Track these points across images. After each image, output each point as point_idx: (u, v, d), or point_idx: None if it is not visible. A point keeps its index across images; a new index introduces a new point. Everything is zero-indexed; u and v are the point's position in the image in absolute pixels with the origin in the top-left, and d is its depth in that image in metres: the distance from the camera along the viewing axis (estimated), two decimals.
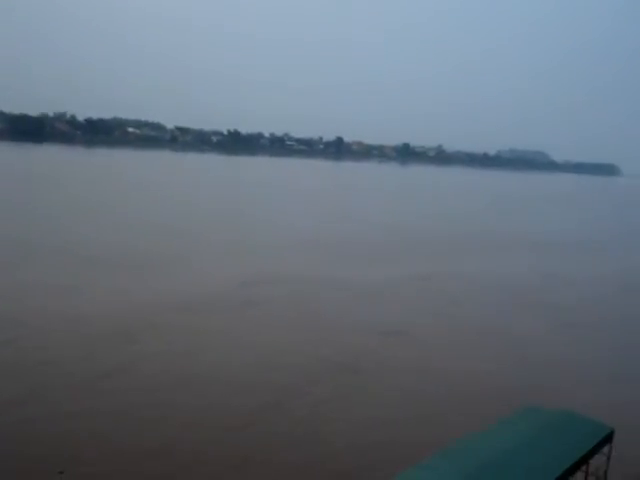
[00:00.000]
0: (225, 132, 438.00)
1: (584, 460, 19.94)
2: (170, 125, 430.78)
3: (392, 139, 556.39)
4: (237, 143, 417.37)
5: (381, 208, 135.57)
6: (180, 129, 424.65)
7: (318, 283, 58.28)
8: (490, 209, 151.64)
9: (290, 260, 68.19)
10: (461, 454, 18.66)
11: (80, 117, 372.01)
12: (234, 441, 27.25)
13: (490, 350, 42.87)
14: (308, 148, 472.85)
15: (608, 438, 21.38)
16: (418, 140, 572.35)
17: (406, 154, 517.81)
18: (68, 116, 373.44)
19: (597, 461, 21.52)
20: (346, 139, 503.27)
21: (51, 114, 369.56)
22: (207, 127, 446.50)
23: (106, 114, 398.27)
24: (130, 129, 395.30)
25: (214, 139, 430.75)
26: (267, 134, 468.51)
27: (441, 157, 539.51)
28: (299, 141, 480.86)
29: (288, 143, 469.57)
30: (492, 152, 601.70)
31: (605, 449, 21.54)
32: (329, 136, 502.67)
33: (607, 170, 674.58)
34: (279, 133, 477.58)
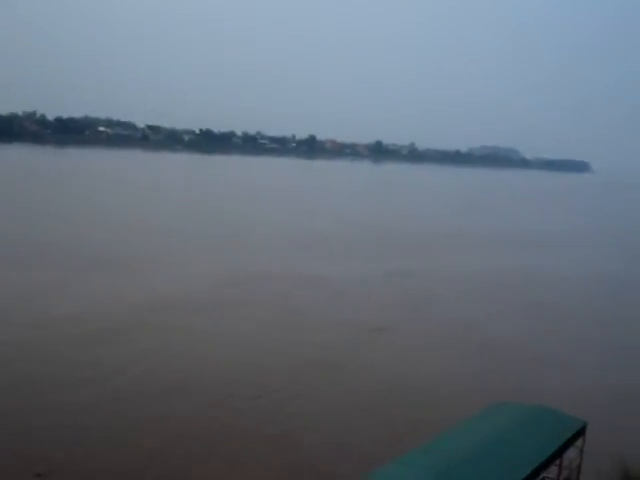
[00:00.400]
0: (197, 131, 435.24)
1: (558, 454, 20.09)
2: (142, 124, 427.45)
3: (365, 137, 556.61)
4: (209, 142, 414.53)
5: (356, 206, 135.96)
6: (152, 128, 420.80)
7: (297, 281, 58.49)
8: (461, 206, 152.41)
9: (267, 258, 68.43)
10: (437, 450, 18.73)
11: (50, 116, 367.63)
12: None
13: (463, 343, 43.31)
14: (281, 146, 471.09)
15: (581, 432, 21.56)
16: (391, 138, 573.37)
17: (379, 152, 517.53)
18: (38, 115, 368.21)
19: (570, 454, 21.66)
20: (319, 137, 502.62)
21: (20, 113, 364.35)
22: (179, 126, 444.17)
23: (77, 113, 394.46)
24: (101, 128, 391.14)
25: (186, 138, 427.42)
26: (239, 133, 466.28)
27: (414, 155, 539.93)
28: (272, 139, 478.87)
29: (261, 141, 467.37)
30: (464, 149, 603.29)
31: (578, 442, 21.68)
32: (302, 134, 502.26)
33: (578, 167, 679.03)
34: (252, 131, 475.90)
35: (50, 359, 35.54)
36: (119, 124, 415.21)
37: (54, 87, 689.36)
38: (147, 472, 24.37)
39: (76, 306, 45.82)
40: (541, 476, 20.28)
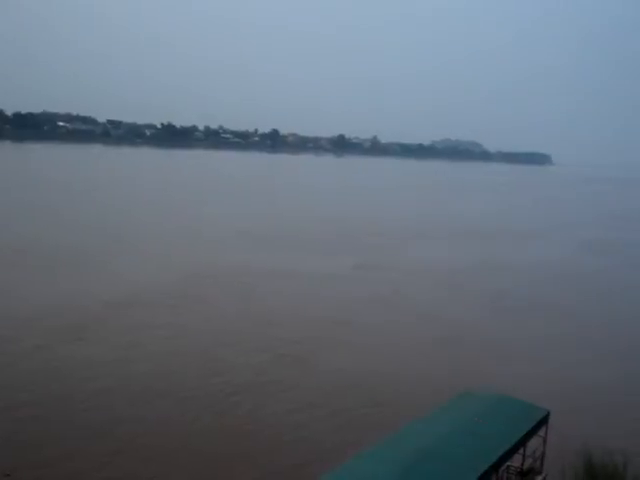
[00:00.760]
0: (159, 125, 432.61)
1: (522, 443, 20.15)
2: (102, 118, 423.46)
3: (328, 131, 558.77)
4: (171, 136, 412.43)
5: (319, 200, 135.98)
6: (112, 122, 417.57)
7: (262, 275, 58.22)
8: (423, 199, 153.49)
9: (233, 253, 67.87)
10: (401, 442, 18.64)
11: (9, 112, 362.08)
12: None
13: (428, 334, 43.76)
14: (243, 140, 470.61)
15: (544, 420, 21.66)
16: (353, 132, 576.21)
17: (342, 146, 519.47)
18: None
19: (534, 443, 21.75)
20: (282, 131, 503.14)
21: None
22: (141, 120, 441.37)
23: (35, 108, 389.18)
24: (61, 123, 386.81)
25: (148, 132, 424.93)
26: (202, 127, 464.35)
27: (376, 148, 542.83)
28: (234, 133, 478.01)
29: (223, 136, 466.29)
30: (427, 143, 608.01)
31: (541, 431, 21.77)
32: (265, 128, 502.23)
33: (539, 159, 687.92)
34: (214, 126, 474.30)
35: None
36: (79, 119, 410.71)
37: (12, 82, 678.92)
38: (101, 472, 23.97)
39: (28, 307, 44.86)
40: (505, 465, 20.34)
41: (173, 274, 56.25)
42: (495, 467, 18.29)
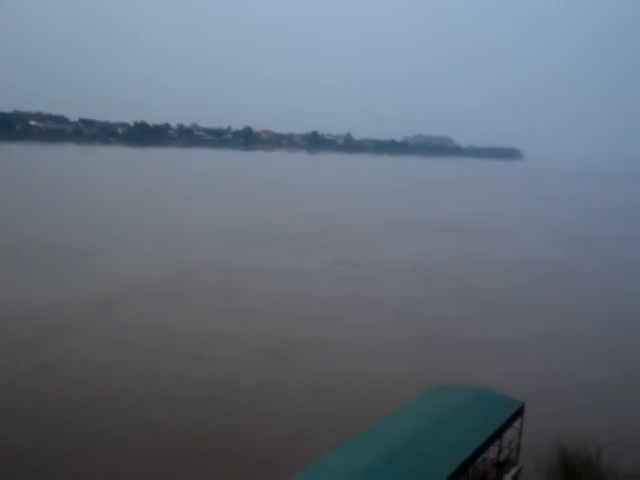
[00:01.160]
0: (131, 124, 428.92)
1: (498, 435, 20.52)
2: (74, 117, 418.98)
3: (301, 127, 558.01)
4: (144, 135, 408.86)
5: (295, 197, 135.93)
6: (84, 121, 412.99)
7: (243, 273, 58.30)
8: (398, 195, 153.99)
9: (213, 251, 67.90)
10: (377, 437, 18.89)
11: None
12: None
13: (405, 329, 44.28)
14: (217, 138, 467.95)
15: (519, 412, 22.05)
16: (327, 128, 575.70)
17: (315, 142, 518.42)
18: None
19: (509, 435, 22.14)
20: (255, 128, 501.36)
21: None
22: (113, 119, 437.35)
23: (6, 107, 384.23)
24: (32, 122, 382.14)
25: (120, 131, 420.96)
26: (175, 125, 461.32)
27: (350, 145, 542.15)
28: (208, 131, 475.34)
29: (196, 133, 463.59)
30: (399, 139, 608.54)
31: (517, 423, 22.17)
32: (238, 125, 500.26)
33: (510, 154, 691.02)
34: (187, 124, 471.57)
35: None
36: (50, 118, 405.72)
37: None
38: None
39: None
40: (482, 457, 20.70)
41: (153, 273, 56.17)
42: (472, 459, 18.63)
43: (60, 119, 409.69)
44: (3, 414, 28.06)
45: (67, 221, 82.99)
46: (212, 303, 48.09)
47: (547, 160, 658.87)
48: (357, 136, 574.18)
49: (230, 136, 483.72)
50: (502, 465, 22.06)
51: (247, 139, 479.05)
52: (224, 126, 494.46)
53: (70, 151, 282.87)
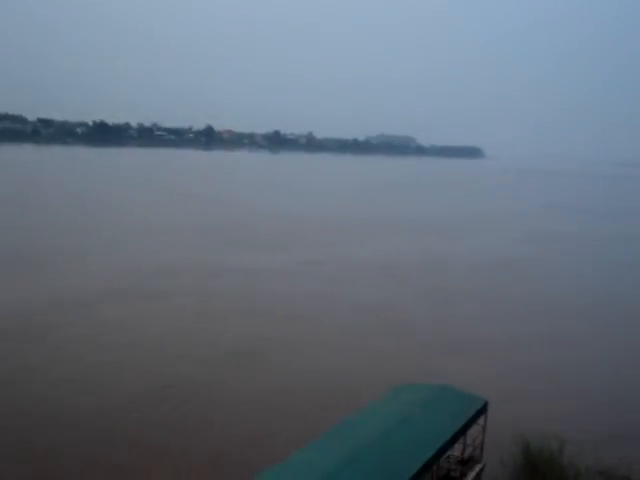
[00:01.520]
0: (90, 123, 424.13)
1: (462, 432, 20.51)
2: (32, 117, 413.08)
3: (263, 127, 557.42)
4: (104, 134, 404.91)
5: (258, 196, 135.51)
6: (43, 121, 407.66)
7: (213, 273, 57.99)
8: (361, 195, 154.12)
9: (176, 252, 67.11)
10: (342, 436, 18.78)
11: None
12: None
13: (372, 327, 44.52)
14: (178, 138, 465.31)
15: (483, 409, 22.07)
16: (289, 128, 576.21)
17: (277, 142, 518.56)
18: None
19: (473, 432, 22.17)
20: (216, 128, 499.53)
21: None
22: (72, 118, 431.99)
23: None
24: None
25: (79, 131, 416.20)
26: (135, 124, 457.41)
27: (312, 144, 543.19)
28: (169, 131, 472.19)
29: (157, 133, 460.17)
30: (362, 138, 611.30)
31: (480, 420, 22.20)
32: (199, 125, 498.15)
33: (471, 153, 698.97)
34: (148, 123, 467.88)
35: None
36: (7, 117, 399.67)
37: None
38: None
39: None
40: (446, 454, 20.68)
41: (115, 276, 55.43)
42: (436, 457, 18.57)
43: (18, 119, 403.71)
44: None
45: (22, 224, 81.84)
46: (181, 303, 47.48)
47: (507, 158, 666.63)
48: (319, 135, 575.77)
49: (191, 136, 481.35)
50: (466, 462, 22.05)
51: (209, 139, 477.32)
52: (185, 126, 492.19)
53: (26, 152, 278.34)
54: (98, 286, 50.99)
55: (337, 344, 40.25)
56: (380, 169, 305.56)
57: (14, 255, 61.99)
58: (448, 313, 49.32)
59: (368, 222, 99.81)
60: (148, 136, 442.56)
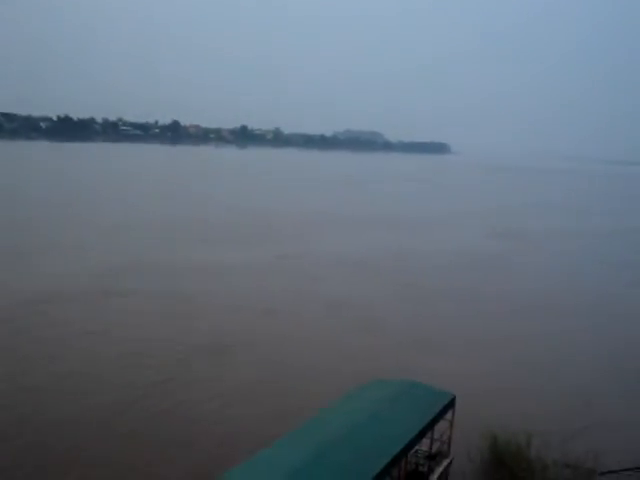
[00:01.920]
0: (55, 118, 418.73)
1: (429, 427, 20.57)
2: None
3: (230, 122, 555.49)
4: (68, 129, 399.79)
5: (226, 191, 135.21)
6: (5, 115, 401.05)
7: (186, 269, 57.59)
8: (326, 190, 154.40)
9: (147, 248, 66.53)
10: (309, 432, 18.75)
11: None
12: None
13: (344, 322, 44.84)
14: (143, 133, 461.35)
15: (450, 404, 22.17)
16: (256, 123, 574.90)
17: (244, 137, 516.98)
18: None
19: (441, 427, 22.26)
20: (183, 122, 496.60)
21: None
22: (36, 113, 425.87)
23: None
24: None
25: (43, 125, 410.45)
26: (100, 119, 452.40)
27: (279, 139, 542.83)
28: (134, 125, 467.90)
29: (122, 128, 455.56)
30: (329, 134, 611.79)
31: (448, 415, 22.30)
32: (165, 120, 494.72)
33: (438, 149, 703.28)
34: (113, 118, 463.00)
35: None
36: None
37: None
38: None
39: None
40: (414, 449, 20.73)
41: (83, 273, 54.70)
42: (404, 452, 18.63)
43: None
44: None
45: None
46: (154, 302, 46.95)
47: (473, 154, 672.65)
48: (286, 130, 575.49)
49: (157, 131, 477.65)
50: (434, 457, 22.19)
51: (175, 134, 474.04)
52: (151, 120, 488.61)
53: None
54: (43, 288, 49.19)
55: (313, 341, 40.23)
56: (345, 166, 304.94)
57: None
58: (422, 310, 49.58)
59: (338, 217, 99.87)
60: (113, 131, 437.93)
